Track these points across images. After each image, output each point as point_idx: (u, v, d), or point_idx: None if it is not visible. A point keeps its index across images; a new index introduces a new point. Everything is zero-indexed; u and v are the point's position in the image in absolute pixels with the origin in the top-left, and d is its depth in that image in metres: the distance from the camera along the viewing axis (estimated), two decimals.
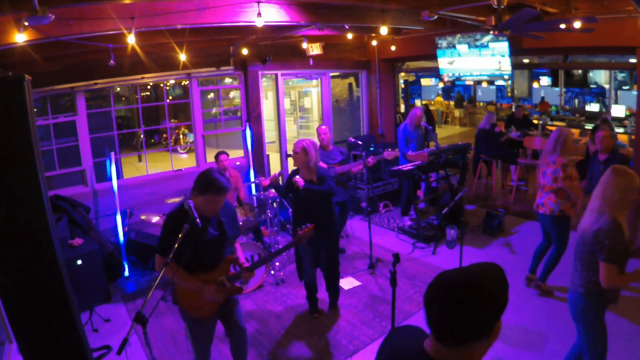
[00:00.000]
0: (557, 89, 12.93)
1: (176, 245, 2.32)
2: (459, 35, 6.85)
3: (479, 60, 6.88)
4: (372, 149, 7.54)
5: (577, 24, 4.13)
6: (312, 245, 3.90)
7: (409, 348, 1.24)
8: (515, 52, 6.48)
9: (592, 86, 12.43)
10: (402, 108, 10.84)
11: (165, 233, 2.58)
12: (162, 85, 8.41)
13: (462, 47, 6.97)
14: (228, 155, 5.50)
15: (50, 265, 2.52)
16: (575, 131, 10.07)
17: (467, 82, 15.23)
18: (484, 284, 1.08)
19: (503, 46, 6.42)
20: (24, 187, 2.42)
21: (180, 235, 2.38)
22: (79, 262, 4.41)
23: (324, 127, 5.33)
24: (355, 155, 6.83)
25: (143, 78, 6.18)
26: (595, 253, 2.43)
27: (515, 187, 7.11)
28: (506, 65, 6.55)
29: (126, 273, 5.21)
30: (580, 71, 12.58)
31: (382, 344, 1.40)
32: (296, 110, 12.21)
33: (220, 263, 2.75)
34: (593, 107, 11.54)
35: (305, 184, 3.77)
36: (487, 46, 6.63)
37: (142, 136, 8.21)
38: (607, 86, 11.81)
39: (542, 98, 12.77)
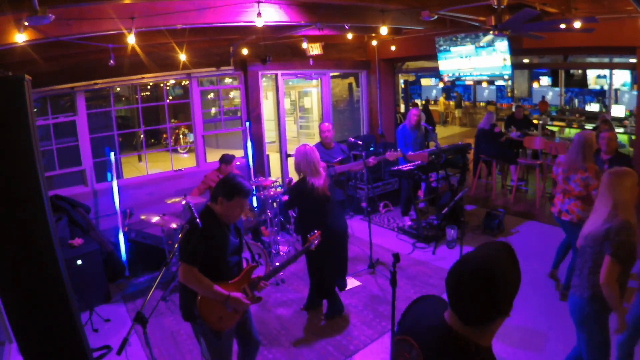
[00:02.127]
0: (557, 89, 12.94)
1: (198, 250, 2.38)
2: (459, 37, 6.86)
3: (479, 60, 6.90)
4: (372, 148, 7.55)
5: (577, 24, 4.13)
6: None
7: (430, 318, 1.32)
8: (515, 52, 6.49)
9: (591, 86, 12.45)
10: (402, 108, 10.85)
11: (191, 240, 2.43)
12: (162, 85, 8.40)
13: (463, 47, 6.99)
14: (227, 164, 5.45)
15: (50, 265, 2.52)
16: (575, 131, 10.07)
17: (467, 82, 15.23)
18: (504, 269, 1.16)
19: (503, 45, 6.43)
20: (24, 187, 2.42)
21: (184, 236, 2.40)
22: (79, 262, 4.41)
23: (326, 124, 5.30)
24: (355, 155, 6.83)
25: (143, 78, 6.18)
26: (603, 253, 2.40)
27: (515, 187, 7.11)
28: (507, 62, 6.57)
29: (126, 273, 5.21)
30: (580, 71, 12.59)
31: (404, 313, 1.49)
32: (296, 110, 12.21)
33: (239, 272, 2.70)
34: (593, 107, 11.55)
35: None
36: (489, 45, 6.63)
37: (142, 136, 8.21)
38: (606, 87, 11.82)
39: (543, 97, 12.79)
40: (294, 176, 4.28)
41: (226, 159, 5.39)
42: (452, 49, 7.16)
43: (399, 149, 5.68)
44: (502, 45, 6.49)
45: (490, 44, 6.66)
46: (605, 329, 2.52)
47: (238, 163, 7.02)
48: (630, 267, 2.46)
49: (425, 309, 1.41)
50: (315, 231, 3.26)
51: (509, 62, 6.53)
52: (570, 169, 3.92)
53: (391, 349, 1.43)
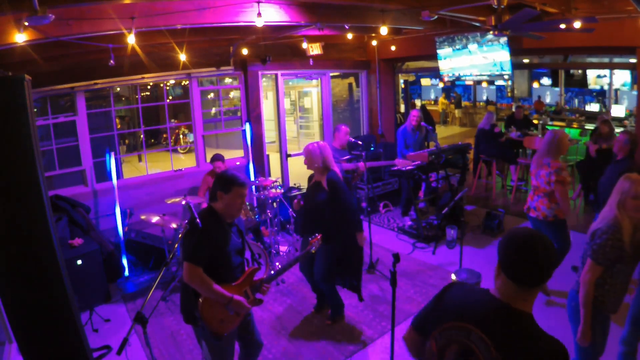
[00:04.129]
0: (557, 89, 12.94)
1: (203, 250, 2.38)
2: (459, 38, 6.87)
3: (479, 59, 6.94)
4: (372, 149, 7.55)
5: (577, 24, 4.13)
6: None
7: (476, 301, 1.47)
8: (515, 52, 6.49)
9: (591, 87, 12.45)
10: (402, 108, 10.84)
11: (193, 240, 2.43)
12: (162, 85, 8.41)
13: (474, 45, 7.03)
14: (223, 161, 5.49)
15: (50, 265, 2.52)
16: (575, 131, 10.08)
17: (467, 82, 15.24)
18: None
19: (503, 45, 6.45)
20: (24, 187, 2.42)
21: (185, 236, 2.41)
22: (79, 262, 4.41)
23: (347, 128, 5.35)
24: (355, 156, 6.83)
25: (143, 78, 6.18)
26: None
27: (515, 187, 7.11)
28: (506, 64, 6.59)
29: (126, 273, 5.21)
30: (580, 71, 12.60)
31: (437, 303, 1.57)
32: (296, 110, 12.22)
33: (242, 274, 2.69)
34: (593, 107, 11.55)
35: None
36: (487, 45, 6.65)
37: (142, 136, 8.21)
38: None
39: (539, 97, 12.83)
40: (295, 179, 4.27)
41: (217, 157, 5.45)
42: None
43: (407, 156, 5.74)
44: (474, 47, 6.74)
45: (464, 46, 6.86)
46: (595, 330, 2.48)
47: (238, 163, 7.03)
48: (623, 268, 2.43)
49: (463, 294, 1.53)
50: (317, 234, 3.26)
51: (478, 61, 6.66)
52: (538, 164, 3.98)
53: (435, 339, 1.48)
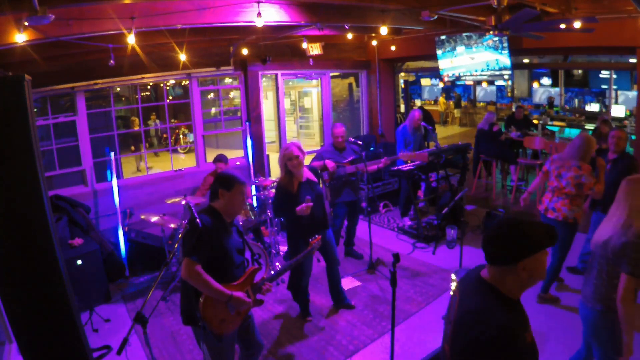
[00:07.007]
0: (557, 89, 12.95)
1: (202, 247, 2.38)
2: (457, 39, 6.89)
3: (478, 57, 6.98)
4: (372, 149, 7.55)
5: (577, 24, 4.13)
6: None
7: (471, 277, 1.68)
8: (515, 52, 6.49)
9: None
10: (402, 108, 10.84)
11: (192, 237, 2.43)
12: (162, 85, 8.41)
13: (461, 47, 7.03)
14: (226, 163, 5.49)
15: (50, 265, 2.52)
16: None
17: (467, 82, 15.24)
18: (532, 224, 1.49)
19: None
20: (24, 187, 2.42)
21: (185, 234, 2.41)
22: (79, 262, 4.41)
23: (340, 128, 5.10)
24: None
25: (143, 78, 6.18)
26: (619, 268, 2.31)
27: (515, 187, 7.11)
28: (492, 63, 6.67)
29: (126, 273, 5.21)
30: (580, 71, 12.60)
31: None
32: (296, 110, 12.22)
33: (243, 273, 2.69)
34: (593, 107, 11.56)
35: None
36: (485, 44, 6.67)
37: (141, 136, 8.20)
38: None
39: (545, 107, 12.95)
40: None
41: (219, 158, 5.45)
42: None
43: (404, 151, 5.66)
44: (461, 49, 6.87)
45: (453, 49, 6.95)
46: (620, 343, 2.37)
47: (238, 163, 7.03)
48: None
49: (470, 272, 1.74)
50: (316, 235, 3.28)
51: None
52: (564, 165, 3.92)
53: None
